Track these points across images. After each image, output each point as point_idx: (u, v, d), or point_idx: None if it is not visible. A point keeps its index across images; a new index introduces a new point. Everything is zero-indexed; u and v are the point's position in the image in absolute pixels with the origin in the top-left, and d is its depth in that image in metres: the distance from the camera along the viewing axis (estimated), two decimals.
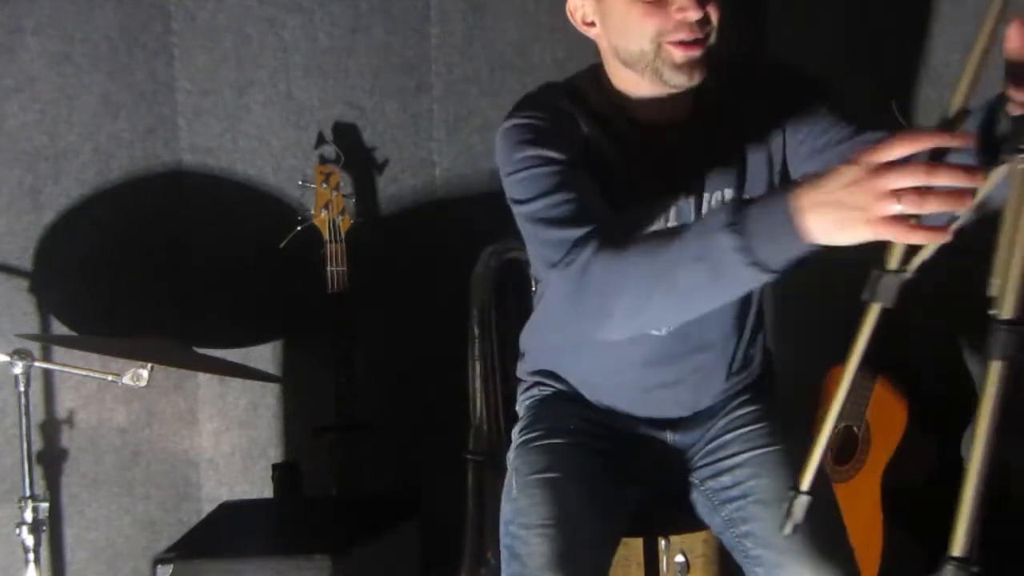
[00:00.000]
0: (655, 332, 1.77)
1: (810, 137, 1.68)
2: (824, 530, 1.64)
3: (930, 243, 1.20)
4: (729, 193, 1.72)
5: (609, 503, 1.77)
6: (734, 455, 1.81)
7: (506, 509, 1.76)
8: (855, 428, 2.46)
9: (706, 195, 1.72)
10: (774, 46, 2.91)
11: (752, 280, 1.32)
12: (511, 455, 1.90)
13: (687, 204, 1.72)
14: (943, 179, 1.16)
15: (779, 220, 1.25)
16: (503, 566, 1.70)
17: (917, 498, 2.41)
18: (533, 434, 1.89)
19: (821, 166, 1.54)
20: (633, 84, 1.70)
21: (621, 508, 1.81)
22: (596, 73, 1.76)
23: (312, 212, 2.64)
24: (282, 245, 2.64)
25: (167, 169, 2.76)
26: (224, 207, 2.79)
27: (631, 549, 2.35)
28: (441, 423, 2.59)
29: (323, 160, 2.75)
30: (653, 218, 1.71)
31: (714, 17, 1.61)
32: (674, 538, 2.30)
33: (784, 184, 1.56)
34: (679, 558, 2.32)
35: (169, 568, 2.02)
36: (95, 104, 2.67)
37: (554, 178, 1.59)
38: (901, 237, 1.19)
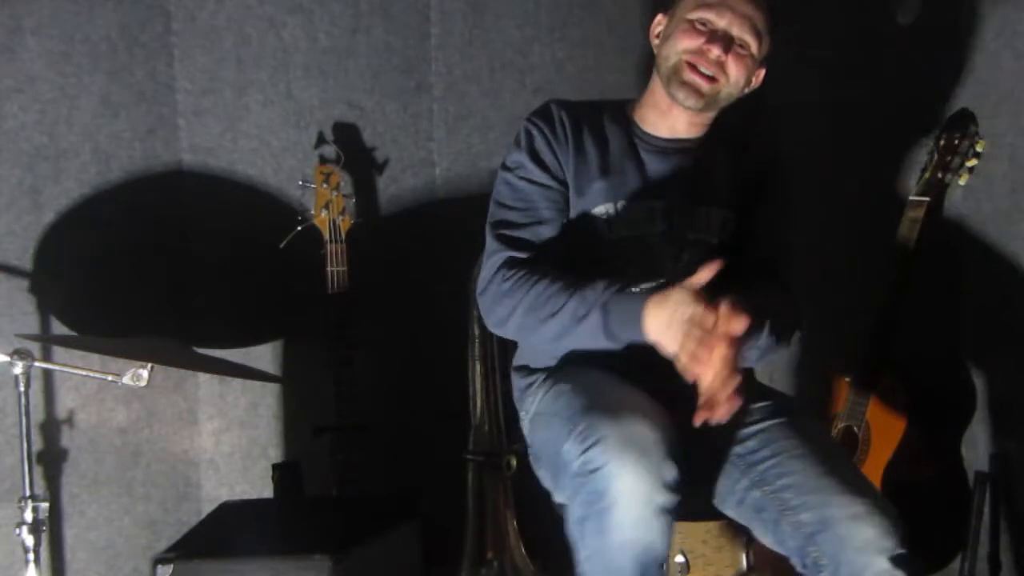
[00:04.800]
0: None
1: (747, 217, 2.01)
2: (851, 473, 1.83)
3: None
4: (716, 210, 1.98)
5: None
6: (758, 422, 1.90)
7: (567, 447, 1.69)
8: (855, 428, 2.46)
9: (701, 208, 1.98)
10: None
11: (604, 344, 1.80)
12: (533, 416, 1.97)
13: (676, 211, 1.97)
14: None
15: (633, 317, 1.74)
16: (576, 494, 1.65)
17: (917, 498, 2.41)
18: (560, 383, 1.91)
19: None
20: (654, 103, 2.01)
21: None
22: (626, 102, 2.09)
23: (312, 212, 2.64)
24: (282, 245, 2.64)
25: (167, 169, 2.76)
26: (224, 207, 2.79)
27: None
28: (441, 423, 2.60)
29: (323, 160, 2.75)
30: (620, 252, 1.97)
31: (732, 70, 1.92)
32: (674, 538, 2.29)
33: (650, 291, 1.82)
34: (679, 558, 2.32)
35: (169, 568, 2.02)
36: (95, 104, 2.67)
37: (526, 196, 1.95)
38: (695, 377, 1.68)
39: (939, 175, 2.41)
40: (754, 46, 1.93)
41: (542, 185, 1.95)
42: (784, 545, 1.79)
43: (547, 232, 1.94)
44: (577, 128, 1.99)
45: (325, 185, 2.64)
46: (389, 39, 2.82)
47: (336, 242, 2.62)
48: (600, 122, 2.02)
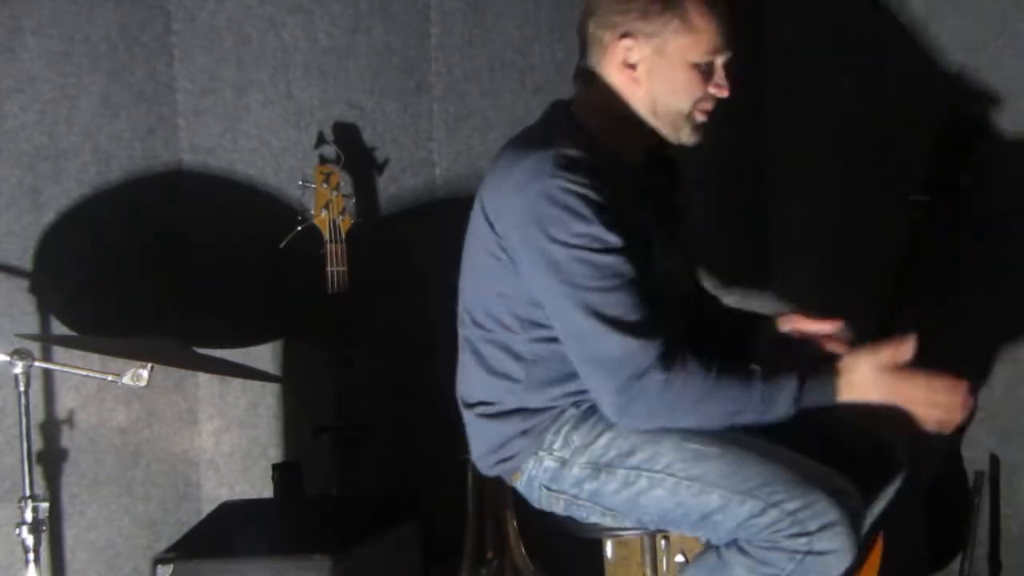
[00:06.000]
0: None
1: None
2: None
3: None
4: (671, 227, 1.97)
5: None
6: None
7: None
8: None
9: (667, 227, 1.94)
10: (773, 46, 2.92)
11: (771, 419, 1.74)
12: (591, 463, 1.82)
13: (670, 256, 1.91)
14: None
15: (827, 386, 1.74)
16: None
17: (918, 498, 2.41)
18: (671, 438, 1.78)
19: None
20: (617, 129, 1.85)
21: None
22: (572, 124, 1.86)
23: (312, 212, 2.64)
24: (282, 245, 2.64)
25: (167, 169, 2.76)
26: (224, 207, 2.78)
27: (631, 549, 2.35)
28: (441, 423, 2.59)
29: (323, 160, 2.75)
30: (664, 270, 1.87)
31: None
32: (674, 538, 2.30)
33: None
34: (679, 558, 2.32)
35: (169, 568, 2.02)
36: (95, 104, 2.67)
37: (613, 270, 1.72)
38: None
39: (939, 175, 2.41)
40: None
41: (619, 251, 1.72)
42: None
43: (649, 302, 1.74)
44: (607, 177, 1.76)
45: (325, 185, 2.64)
46: (389, 39, 2.82)
47: (336, 242, 2.62)
48: (606, 164, 1.79)
